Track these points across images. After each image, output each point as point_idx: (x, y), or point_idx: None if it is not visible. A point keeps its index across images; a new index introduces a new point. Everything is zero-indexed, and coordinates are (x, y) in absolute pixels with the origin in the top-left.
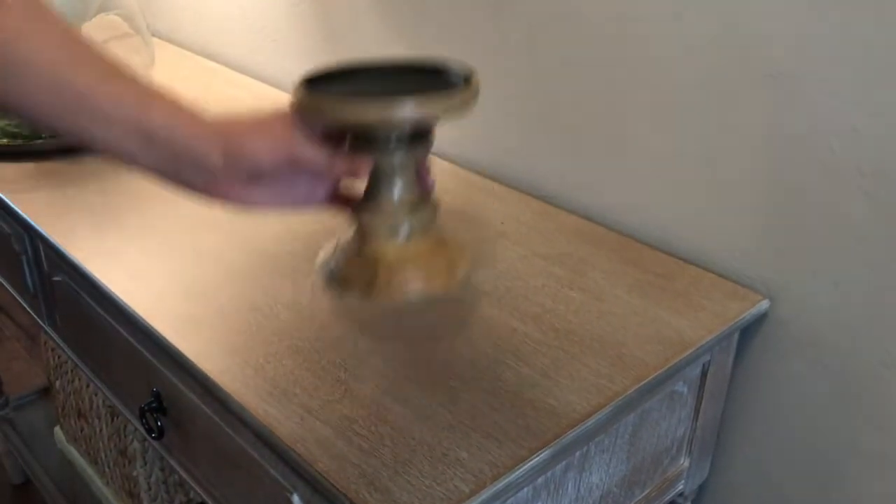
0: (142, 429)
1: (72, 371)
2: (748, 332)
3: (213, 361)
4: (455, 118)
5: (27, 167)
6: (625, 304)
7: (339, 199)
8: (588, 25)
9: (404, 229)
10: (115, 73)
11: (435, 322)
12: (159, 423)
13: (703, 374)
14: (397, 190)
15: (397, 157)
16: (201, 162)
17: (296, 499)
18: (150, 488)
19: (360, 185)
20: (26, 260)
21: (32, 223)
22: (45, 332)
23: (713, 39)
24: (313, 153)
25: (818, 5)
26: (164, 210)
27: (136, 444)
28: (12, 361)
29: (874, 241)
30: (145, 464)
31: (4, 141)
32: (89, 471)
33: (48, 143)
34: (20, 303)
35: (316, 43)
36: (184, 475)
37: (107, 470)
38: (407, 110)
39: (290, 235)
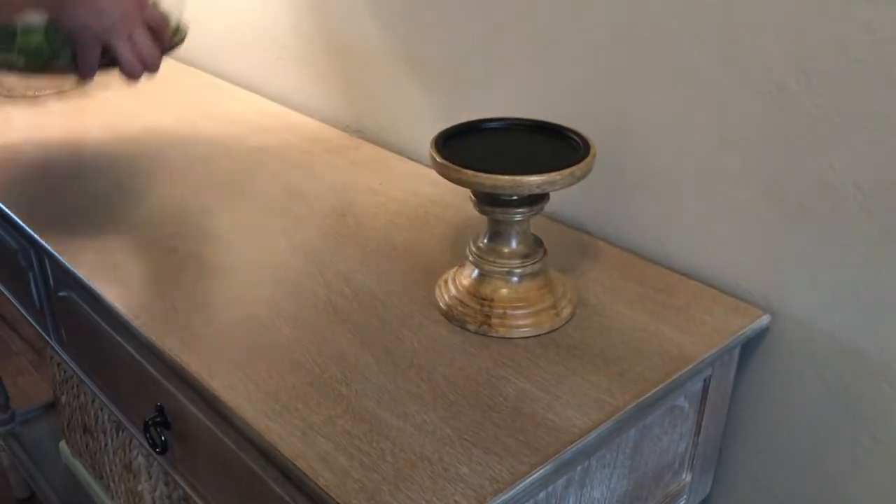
0: (145, 443)
1: (77, 386)
2: (749, 346)
3: (215, 377)
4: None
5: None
6: (626, 319)
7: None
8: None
9: (517, 273)
10: None
11: (436, 336)
12: (163, 438)
13: (705, 389)
14: (515, 241)
15: (518, 215)
16: None
17: None
18: (154, 503)
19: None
20: (32, 276)
21: (38, 239)
22: (51, 347)
23: (713, 54)
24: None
25: (814, 23)
26: (168, 227)
27: (140, 459)
28: (19, 376)
29: (874, 257)
30: (150, 478)
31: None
32: (94, 485)
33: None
34: (26, 318)
35: (320, 59)
36: (187, 490)
37: (111, 484)
38: (534, 183)
39: (292, 249)
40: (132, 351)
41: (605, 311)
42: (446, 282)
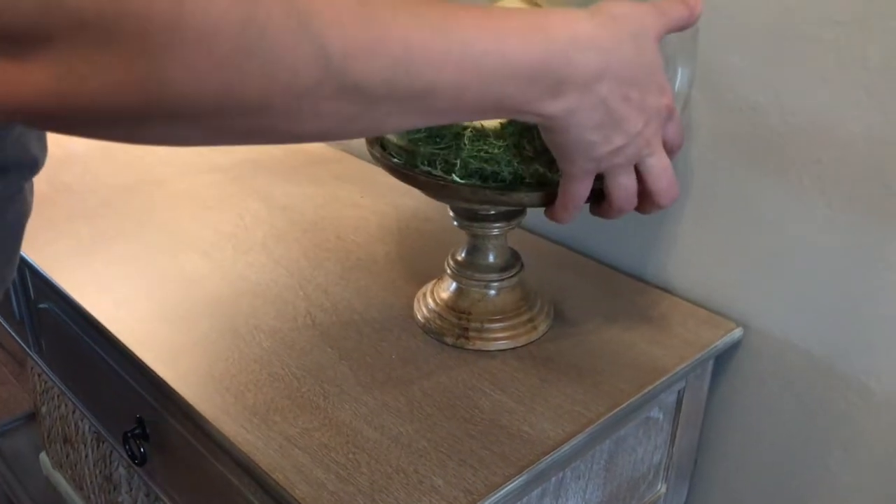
0: (125, 454)
1: (58, 397)
2: (723, 359)
3: (194, 389)
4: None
5: None
6: (601, 332)
7: None
8: None
9: (495, 287)
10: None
11: (414, 348)
12: (142, 450)
13: (679, 401)
14: (492, 255)
15: (495, 229)
16: None
17: None
18: None
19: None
20: (13, 287)
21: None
22: (32, 359)
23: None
24: None
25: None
26: (150, 238)
27: (121, 471)
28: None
29: (844, 271)
30: (130, 490)
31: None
32: (74, 497)
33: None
34: (7, 329)
35: None
36: (167, 501)
37: (92, 496)
38: (511, 199)
39: (273, 263)
40: (112, 363)
41: (581, 324)
42: (425, 295)
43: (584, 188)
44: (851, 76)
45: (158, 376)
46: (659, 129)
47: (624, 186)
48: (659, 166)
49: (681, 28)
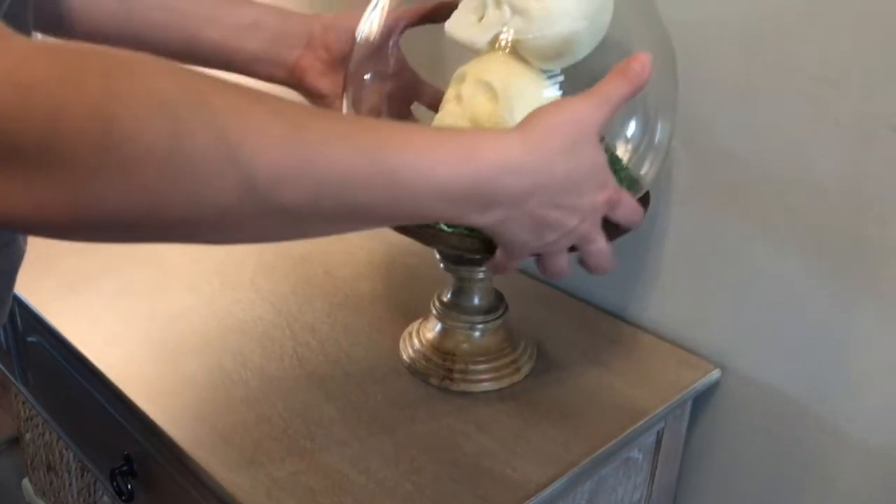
0: (112, 491)
1: (42, 424)
2: (701, 399)
3: (182, 429)
4: None
5: None
6: (583, 373)
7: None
8: None
9: (479, 329)
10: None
11: (400, 389)
12: (129, 487)
13: (658, 441)
14: (477, 297)
15: (481, 273)
16: None
17: None
18: None
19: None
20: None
21: None
22: (17, 388)
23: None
24: None
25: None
26: (139, 274)
27: (105, 500)
28: None
29: (818, 316)
30: None
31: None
32: None
33: None
34: None
35: None
36: None
37: None
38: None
39: (260, 299)
40: (101, 399)
41: (564, 365)
42: (410, 335)
43: (519, 262)
44: (825, 129)
45: (147, 415)
46: (597, 221)
47: (558, 266)
48: (596, 251)
49: (629, 99)
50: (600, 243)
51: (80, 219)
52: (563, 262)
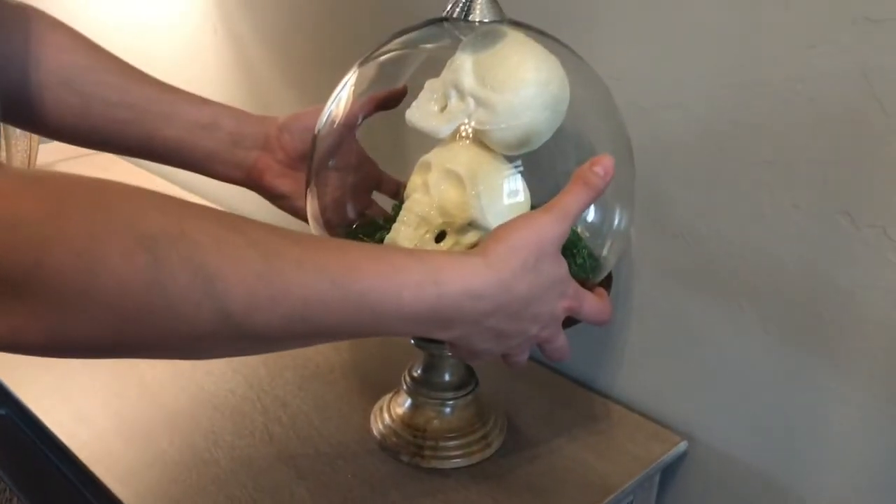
0: None
1: (9, 490)
2: (669, 471)
3: None
4: None
5: None
6: (552, 448)
7: None
8: None
9: (450, 405)
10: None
11: (370, 467)
12: None
13: None
14: (448, 373)
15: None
16: None
17: None
18: None
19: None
20: None
21: None
22: None
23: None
24: None
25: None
26: None
27: None
28: None
29: (781, 392)
30: None
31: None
32: None
33: None
34: None
35: None
36: None
37: None
38: None
39: (231, 371)
40: (71, 477)
41: (533, 439)
42: (381, 409)
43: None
44: (783, 213)
45: (116, 497)
46: (558, 327)
47: (519, 363)
48: (555, 349)
49: (591, 204)
50: (559, 342)
51: (57, 343)
52: (523, 359)
